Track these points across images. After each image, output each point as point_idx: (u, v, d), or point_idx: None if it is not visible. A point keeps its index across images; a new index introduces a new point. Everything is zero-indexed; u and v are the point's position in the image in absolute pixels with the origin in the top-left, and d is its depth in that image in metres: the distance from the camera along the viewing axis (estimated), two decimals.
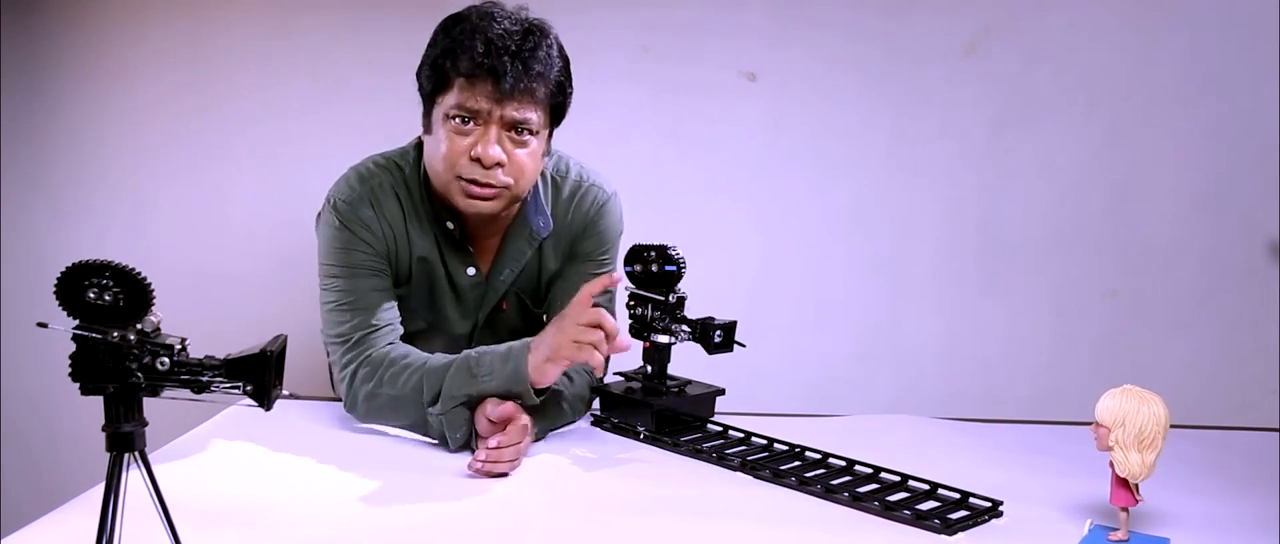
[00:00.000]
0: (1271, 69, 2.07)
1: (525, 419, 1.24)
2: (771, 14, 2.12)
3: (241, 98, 2.15)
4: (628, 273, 1.38)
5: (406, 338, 1.57)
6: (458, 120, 1.33)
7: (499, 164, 1.34)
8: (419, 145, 1.45)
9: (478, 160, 1.33)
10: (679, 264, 1.34)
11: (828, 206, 2.18)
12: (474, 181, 1.34)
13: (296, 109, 2.13)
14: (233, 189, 2.17)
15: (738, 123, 2.16)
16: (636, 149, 2.16)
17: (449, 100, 1.33)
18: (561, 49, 1.40)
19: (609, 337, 1.23)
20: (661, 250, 1.34)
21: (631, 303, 1.39)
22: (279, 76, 2.14)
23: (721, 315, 1.35)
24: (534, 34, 1.34)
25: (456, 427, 1.27)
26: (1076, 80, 2.12)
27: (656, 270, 1.35)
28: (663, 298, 1.35)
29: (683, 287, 1.36)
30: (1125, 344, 2.17)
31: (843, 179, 2.17)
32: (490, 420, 1.23)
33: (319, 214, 1.47)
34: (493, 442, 1.19)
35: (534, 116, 1.34)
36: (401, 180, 1.45)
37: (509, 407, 1.23)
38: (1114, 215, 2.16)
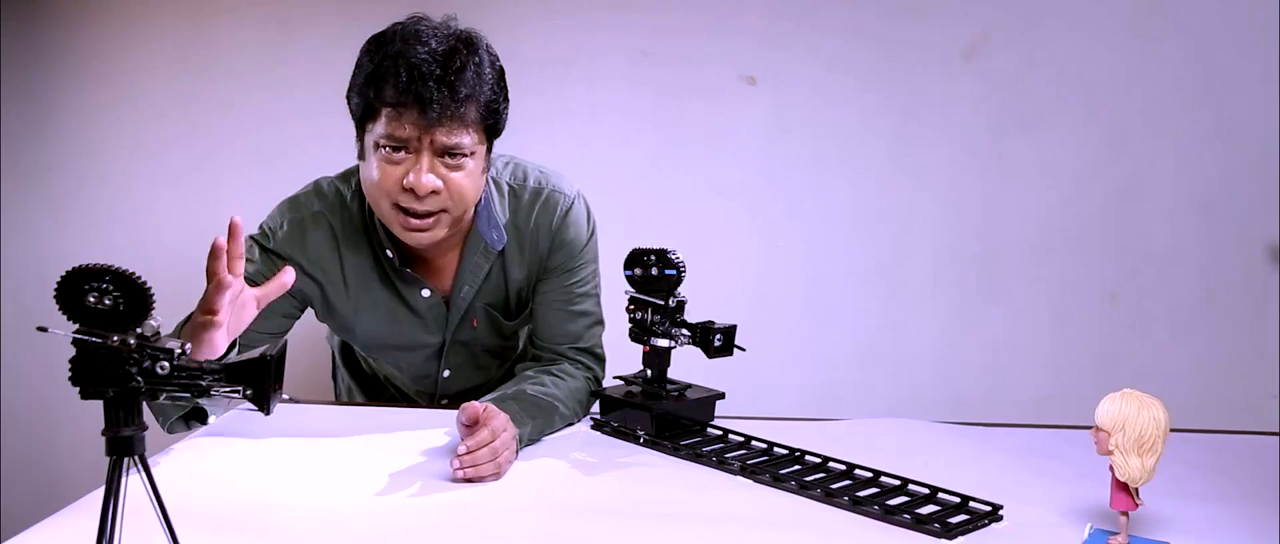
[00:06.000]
0: (1271, 73, 2.07)
1: (498, 419, 1.21)
2: (771, 18, 2.12)
3: (242, 102, 2.16)
4: (627, 277, 1.38)
5: (381, 357, 1.58)
6: (387, 149, 1.30)
7: (433, 192, 1.31)
8: None
9: (411, 190, 1.30)
10: (679, 268, 1.33)
11: (828, 210, 2.18)
12: (411, 212, 1.32)
13: (296, 113, 2.14)
14: (233, 193, 2.17)
15: (738, 126, 2.16)
16: (636, 152, 2.16)
17: (377, 129, 1.30)
18: (493, 59, 1.35)
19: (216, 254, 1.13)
20: (661, 254, 1.34)
21: (631, 307, 1.39)
22: (279, 81, 2.14)
23: (722, 319, 1.35)
24: (459, 52, 1.29)
25: (160, 412, 1.26)
26: (1076, 84, 2.12)
27: (656, 274, 1.35)
28: (662, 302, 1.35)
29: (683, 290, 1.36)
30: (1125, 348, 2.17)
31: (843, 183, 2.17)
32: (463, 424, 1.21)
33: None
34: (462, 448, 1.17)
35: (466, 140, 1.31)
36: (338, 205, 1.44)
37: (475, 407, 1.20)
38: (1114, 219, 2.16)
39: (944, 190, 2.16)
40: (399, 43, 1.29)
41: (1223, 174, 2.12)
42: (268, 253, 1.42)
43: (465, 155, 1.32)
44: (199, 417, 1.30)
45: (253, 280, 1.35)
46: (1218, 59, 2.10)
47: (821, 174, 2.17)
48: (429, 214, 1.33)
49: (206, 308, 1.14)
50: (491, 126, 1.36)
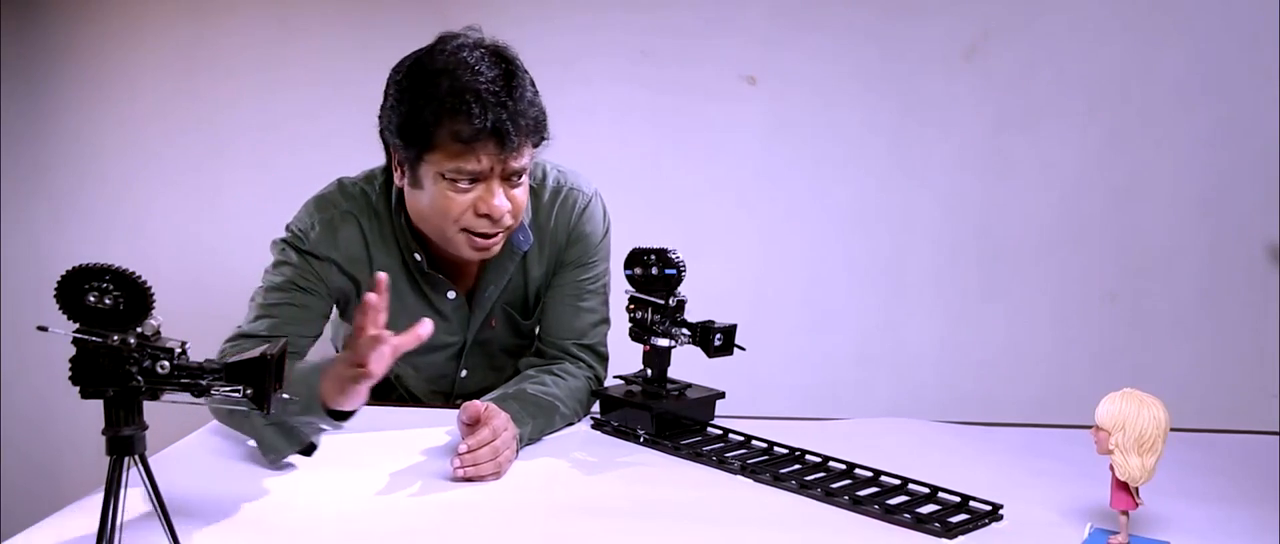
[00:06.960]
0: (1271, 72, 2.07)
1: (499, 418, 1.22)
2: (771, 17, 2.12)
3: (241, 102, 2.16)
4: (628, 276, 1.38)
5: (399, 360, 1.57)
6: (458, 181, 1.29)
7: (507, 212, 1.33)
8: (386, 171, 1.41)
9: (487, 215, 1.31)
10: (679, 267, 1.34)
11: (828, 210, 2.18)
12: (483, 235, 1.33)
13: (296, 113, 2.14)
14: (233, 193, 2.17)
15: (738, 126, 2.16)
16: (636, 152, 2.16)
17: (445, 163, 1.28)
18: (527, 72, 1.34)
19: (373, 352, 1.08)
20: (661, 253, 1.34)
21: (631, 306, 1.39)
22: (279, 81, 2.14)
23: (722, 318, 1.35)
24: (514, 74, 1.29)
25: (270, 446, 1.20)
26: (1076, 83, 2.12)
27: (656, 273, 1.35)
28: (663, 301, 1.35)
29: (683, 290, 1.36)
30: (1125, 347, 2.17)
31: (843, 182, 2.17)
32: (464, 423, 1.21)
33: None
34: (462, 447, 1.18)
35: (529, 159, 1.33)
36: (365, 206, 1.43)
37: (476, 406, 1.21)
38: (1114, 218, 2.16)
39: (944, 190, 2.16)
40: (449, 68, 1.26)
41: (1223, 174, 2.12)
42: (304, 255, 1.40)
43: (525, 172, 1.34)
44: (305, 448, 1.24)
45: (294, 282, 1.38)
46: (1218, 59, 2.10)
47: (821, 174, 2.17)
48: (499, 233, 1.35)
49: (358, 360, 1.09)
50: (541, 139, 1.37)
